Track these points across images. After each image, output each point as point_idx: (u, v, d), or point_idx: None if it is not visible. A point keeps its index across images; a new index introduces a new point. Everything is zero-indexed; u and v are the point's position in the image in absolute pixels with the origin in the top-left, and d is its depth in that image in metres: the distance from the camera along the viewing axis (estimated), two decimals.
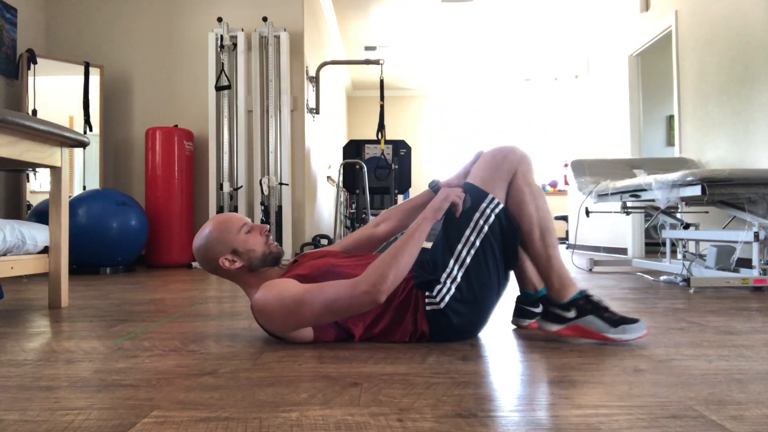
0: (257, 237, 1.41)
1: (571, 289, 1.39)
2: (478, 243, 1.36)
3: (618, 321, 1.36)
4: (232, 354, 1.30)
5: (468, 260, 1.35)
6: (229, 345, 1.40)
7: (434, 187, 1.54)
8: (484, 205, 1.38)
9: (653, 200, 3.07)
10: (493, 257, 1.37)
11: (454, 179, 1.52)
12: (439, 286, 1.34)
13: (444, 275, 1.35)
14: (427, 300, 1.35)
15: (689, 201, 2.92)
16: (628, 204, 3.53)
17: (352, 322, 1.38)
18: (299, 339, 1.37)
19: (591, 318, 1.37)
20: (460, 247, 1.36)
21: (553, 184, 9.40)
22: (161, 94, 4.70)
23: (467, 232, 1.37)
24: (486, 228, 1.36)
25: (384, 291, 1.25)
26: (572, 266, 3.98)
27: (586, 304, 1.38)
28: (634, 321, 1.37)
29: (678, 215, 3.52)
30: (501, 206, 1.39)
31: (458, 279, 1.35)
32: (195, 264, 4.10)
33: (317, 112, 5.04)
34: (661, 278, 3.02)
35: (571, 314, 1.38)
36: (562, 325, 1.39)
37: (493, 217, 1.37)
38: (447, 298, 1.34)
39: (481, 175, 1.43)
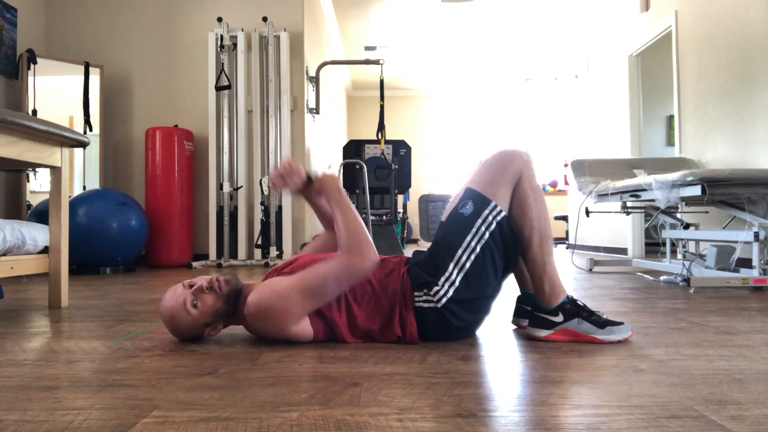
0: (204, 299, 1.34)
1: (561, 295, 1.41)
2: (478, 249, 1.37)
3: (604, 323, 1.40)
4: (232, 354, 1.30)
5: (468, 265, 1.36)
6: (229, 345, 1.40)
7: (310, 176, 1.48)
8: (486, 211, 1.39)
9: (653, 200, 3.07)
10: (492, 263, 1.38)
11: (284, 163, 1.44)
12: (437, 288, 1.36)
13: (443, 279, 1.36)
14: (425, 299, 1.36)
15: (689, 201, 2.92)
16: (628, 204, 3.53)
17: (335, 314, 1.37)
18: (299, 336, 1.36)
19: (578, 321, 1.39)
20: (460, 252, 1.37)
21: (553, 184, 9.40)
22: (161, 94, 4.70)
23: (468, 238, 1.37)
24: (487, 234, 1.37)
25: (372, 252, 1.32)
26: (572, 266, 3.98)
27: (572, 307, 1.40)
28: (619, 323, 1.41)
29: (678, 215, 3.51)
30: (503, 214, 1.39)
31: (457, 283, 1.36)
32: (195, 264, 4.10)
33: (317, 112, 5.04)
34: (661, 278, 3.02)
35: (559, 318, 1.40)
36: (550, 330, 1.41)
37: (494, 224, 1.38)
38: (444, 300, 1.35)
39: (487, 178, 1.43)
